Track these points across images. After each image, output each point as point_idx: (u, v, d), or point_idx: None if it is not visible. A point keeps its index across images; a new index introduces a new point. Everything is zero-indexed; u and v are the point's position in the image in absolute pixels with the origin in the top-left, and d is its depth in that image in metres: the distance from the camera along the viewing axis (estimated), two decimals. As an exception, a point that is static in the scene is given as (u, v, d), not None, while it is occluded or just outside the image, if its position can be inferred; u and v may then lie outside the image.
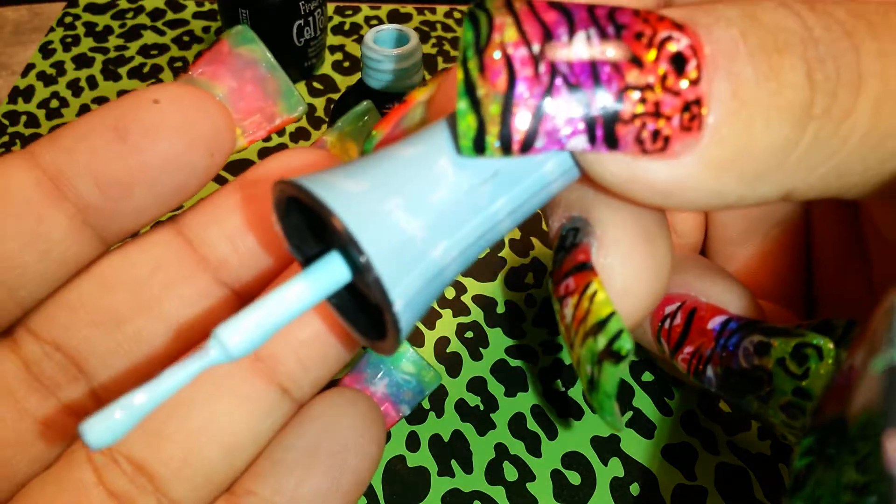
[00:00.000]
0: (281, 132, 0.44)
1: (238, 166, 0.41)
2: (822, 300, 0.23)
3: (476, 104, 0.12)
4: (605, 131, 0.12)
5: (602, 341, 0.13)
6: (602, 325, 0.14)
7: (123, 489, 0.16)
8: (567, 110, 0.12)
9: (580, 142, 0.12)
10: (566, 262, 0.15)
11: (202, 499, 0.16)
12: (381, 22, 0.53)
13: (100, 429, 0.12)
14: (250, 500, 0.16)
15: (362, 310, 0.15)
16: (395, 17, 0.54)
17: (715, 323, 0.18)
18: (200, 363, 0.13)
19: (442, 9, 0.55)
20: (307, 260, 0.14)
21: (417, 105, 0.17)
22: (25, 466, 0.16)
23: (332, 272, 0.13)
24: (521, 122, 0.12)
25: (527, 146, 0.12)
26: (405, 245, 0.12)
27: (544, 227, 0.38)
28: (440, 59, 0.51)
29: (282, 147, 0.43)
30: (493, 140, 0.12)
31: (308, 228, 0.14)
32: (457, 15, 0.54)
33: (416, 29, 0.52)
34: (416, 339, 0.33)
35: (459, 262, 0.13)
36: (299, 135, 0.44)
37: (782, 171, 0.13)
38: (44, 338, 0.16)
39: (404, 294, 0.12)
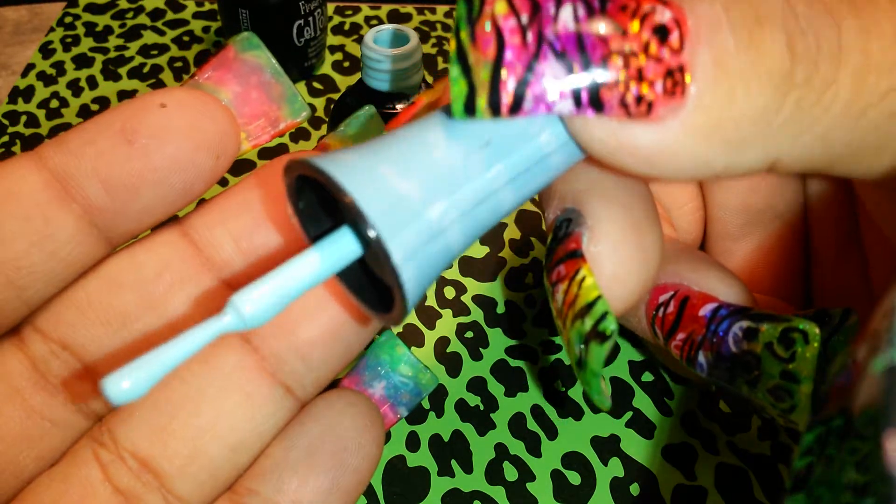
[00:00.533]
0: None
1: (240, 168, 0.41)
2: (820, 294, 0.23)
3: (467, 70, 0.13)
4: (589, 95, 0.13)
5: (589, 323, 0.14)
6: (589, 307, 0.15)
7: (129, 486, 0.16)
8: (553, 75, 0.13)
9: (566, 105, 0.13)
10: (559, 251, 0.16)
11: (206, 496, 0.17)
12: (381, 22, 0.53)
13: (119, 385, 0.12)
14: (252, 499, 0.16)
15: (374, 289, 0.15)
16: (395, 17, 0.54)
17: (706, 310, 0.18)
18: (216, 328, 0.13)
19: (442, 9, 0.55)
20: (316, 240, 0.15)
21: (424, 107, 0.18)
22: (32, 463, 0.16)
23: (343, 245, 0.14)
24: (510, 85, 0.13)
25: (515, 108, 0.13)
26: (400, 201, 0.13)
27: (544, 228, 0.38)
28: (440, 59, 0.51)
29: (282, 147, 0.43)
30: (483, 103, 0.13)
31: (320, 211, 0.15)
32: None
33: (416, 29, 0.52)
34: (416, 339, 0.33)
35: (462, 227, 0.13)
36: (299, 134, 0.44)
37: (766, 138, 0.13)
38: (51, 336, 0.16)
39: (402, 247, 0.12)
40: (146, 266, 0.17)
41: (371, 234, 0.12)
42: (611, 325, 0.14)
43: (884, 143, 0.14)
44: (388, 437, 0.29)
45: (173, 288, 0.17)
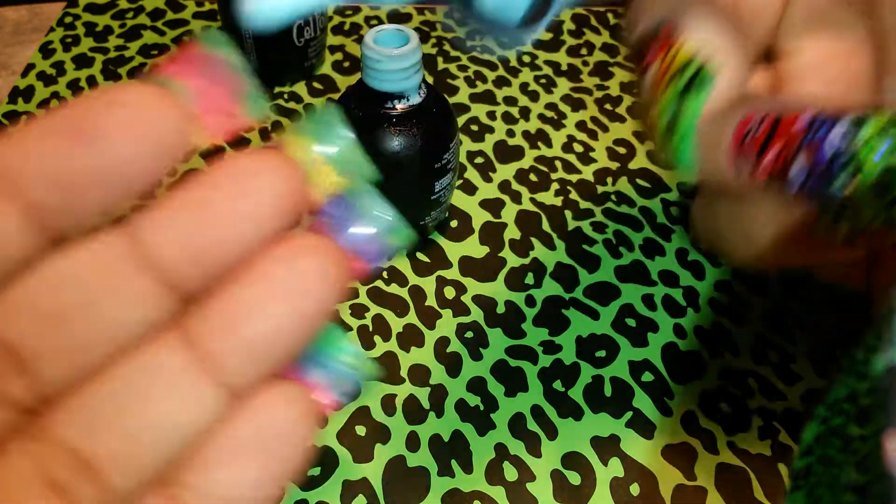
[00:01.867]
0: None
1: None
2: None
3: None
4: None
5: (687, 74, 0.17)
6: (687, 64, 0.17)
7: (62, 478, 0.16)
8: None
9: None
10: (652, 43, 0.18)
11: (140, 489, 0.17)
12: (381, 22, 0.53)
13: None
14: (186, 491, 0.16)
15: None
16: (395, 17, 0.54)
17: (803, 119, 0.19)
18: None
19: (442, 9, 0.55)
20: None
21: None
22: None
23: None
24: None
25: None
26: None
27: (545, 228, 0.38)
28: (440, 59, 0.51)
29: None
30: None
31: None
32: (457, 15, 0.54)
33: (416, 29, 0.52)
34: (417, 339, 0.33)
35: None
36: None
37: None
38: None
39: None
40: (86, 265, 0.17)
41: None
42: (710, 71, 0.16)
43: None
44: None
45: (112, 288, 0.17)
